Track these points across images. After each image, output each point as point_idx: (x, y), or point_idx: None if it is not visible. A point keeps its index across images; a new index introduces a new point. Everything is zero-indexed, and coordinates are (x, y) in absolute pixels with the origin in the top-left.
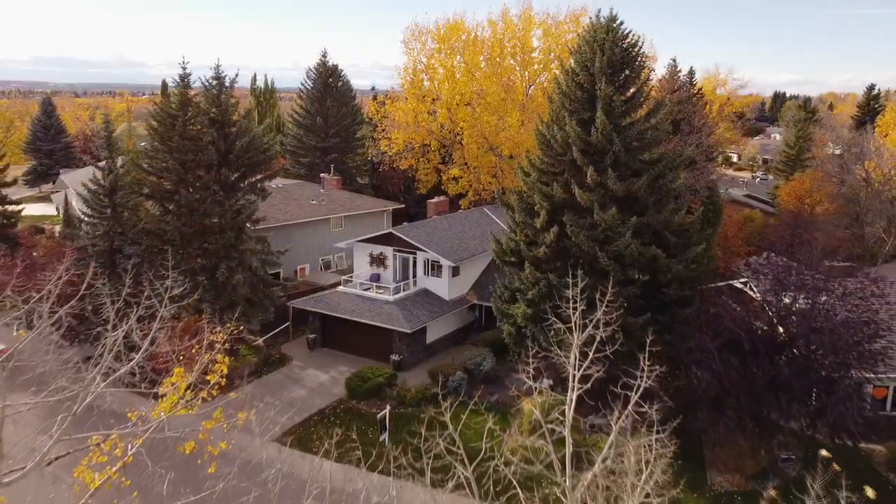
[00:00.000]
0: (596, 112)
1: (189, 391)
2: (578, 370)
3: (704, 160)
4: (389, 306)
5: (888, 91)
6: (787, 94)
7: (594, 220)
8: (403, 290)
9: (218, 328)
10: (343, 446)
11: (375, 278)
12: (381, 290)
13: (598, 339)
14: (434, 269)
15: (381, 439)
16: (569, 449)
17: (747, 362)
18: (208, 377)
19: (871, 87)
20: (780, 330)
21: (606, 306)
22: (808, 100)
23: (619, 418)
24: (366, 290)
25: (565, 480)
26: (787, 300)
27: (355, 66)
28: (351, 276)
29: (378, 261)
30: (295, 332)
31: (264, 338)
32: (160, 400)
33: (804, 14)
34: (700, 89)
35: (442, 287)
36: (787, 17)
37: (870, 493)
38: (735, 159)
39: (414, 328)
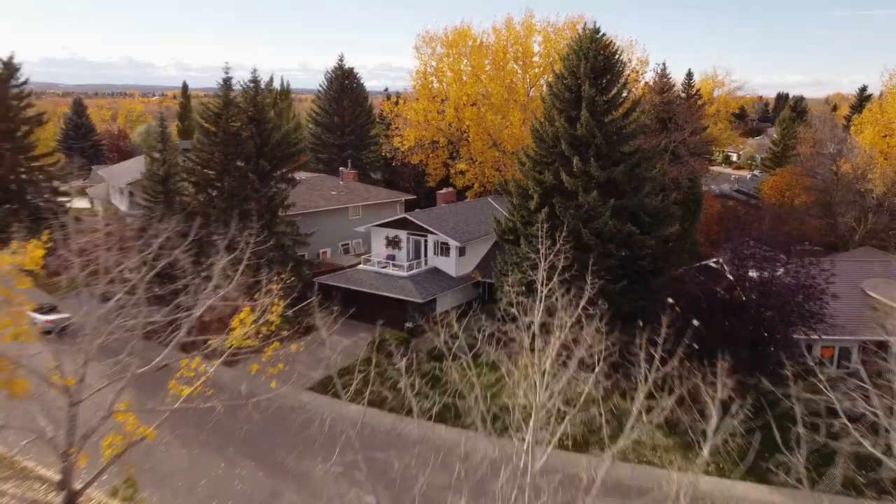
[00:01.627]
0: (581, 110)
1: (254, 325)
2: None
3: (688, 155)
4: (403, 281)
5: (882, 92)
6: (791, 96)
7: (579, 202)
8: (416, 268)
9: (274, 280)
10: (363, 394)
11: (391, 258)
12: (396, 268)
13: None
14: (443, 249)
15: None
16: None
17: (707, 321)
18: (269, 317)
19: (864, 89)
20: (738, 293)
21: (591, 275)
22: (800, 100)
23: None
24: (383, 268)
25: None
26: (752, 274)
27: (363, 68)
28: (370, 257)
29: (393, 243)
30: (319, 306)
31: (293, 309)
32: (231, 333)
33: (816, 16)
34: (697, 90)
35: (450, 265)
36: (799, 18)
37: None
38: (735, 158)
39: (425, 299)
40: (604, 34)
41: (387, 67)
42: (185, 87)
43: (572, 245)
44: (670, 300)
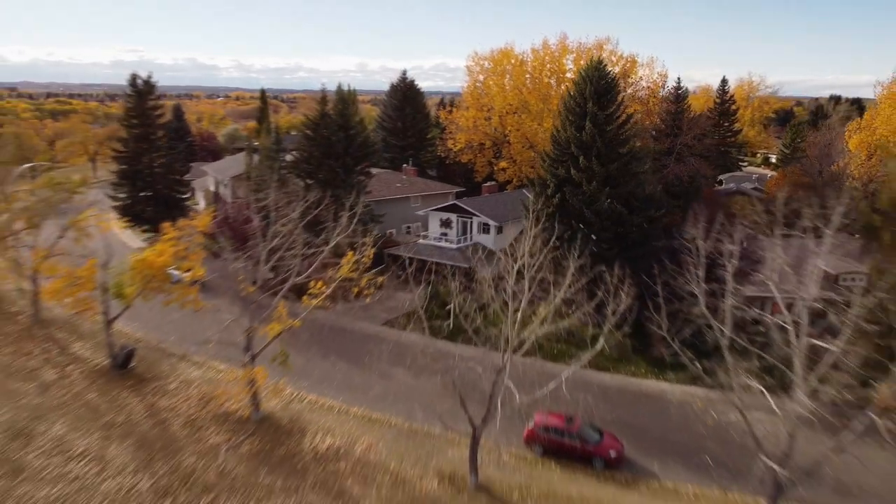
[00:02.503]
0: (586, 122)
1: (351, 271)
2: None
3: (690, 156)
4: (453, 251)
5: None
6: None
7: (583, 190)
8: (462, 243)
9: (361, 241)
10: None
11: (444, 235)
12: (448, 242)
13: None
14: (484, 228)
15: (445, 323)
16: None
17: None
18: (363, 260)
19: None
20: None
21: (593, 245)
22: (855, 101)
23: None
24: (437, 241)
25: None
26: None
27: (419, 68)
28: (427, 234)
29: (445, 223)
30: (388, 272)
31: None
32: (341, 269)
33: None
34: (731, 96)
35: (489, 241)
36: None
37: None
38: (773, 160)
39: (469, 266)
40: (605, 65)
41: (443, 68)
42: (262, 92)
43: (577, 221)
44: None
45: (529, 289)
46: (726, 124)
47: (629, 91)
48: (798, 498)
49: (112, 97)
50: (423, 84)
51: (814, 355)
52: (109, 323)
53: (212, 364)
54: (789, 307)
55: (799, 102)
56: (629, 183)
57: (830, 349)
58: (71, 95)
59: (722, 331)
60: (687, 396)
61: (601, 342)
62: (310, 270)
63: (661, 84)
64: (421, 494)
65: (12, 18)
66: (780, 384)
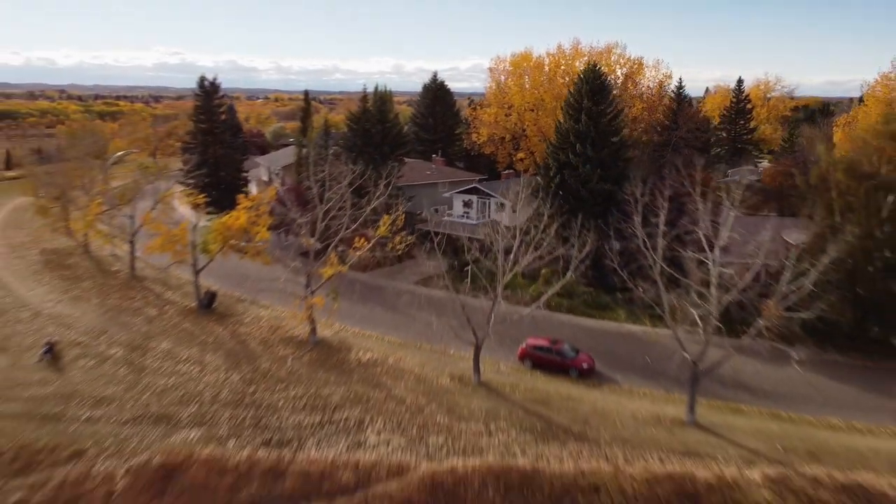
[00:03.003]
0: (582, 115)
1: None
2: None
3: (685, 147)
4: (473, 226)
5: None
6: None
7: (579, 172)
8: (481, 219)
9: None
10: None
11: (466, 213)
12: (469, 219)
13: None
14: (500, 207)
15: (464, 281)
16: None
17: None
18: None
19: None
20: None
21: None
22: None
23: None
24: (460, 218)
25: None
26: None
27: (455, 70)
28: (451, 213)
29: (467, 204)
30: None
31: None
32: (378, 230)
33: None
34: (747, 95)
35: (504, 218)
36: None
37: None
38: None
39: (483, 237)
40: (599, 68)
41: (479, 69)
42: (306, 93)
43: (574, 198)
44: None
45: (519, 245)
46: (742, 122)
47: (635, 90)
48: (710, 393)
49: (156, 98)
50: (460, 85)
51: (723, 282)
52: (197, 273)
53: (276, 307)
54: (711, 247)
55: (828, 102)
56: (619, 166)
57: (726, 273)
58: (118, 97)
59: (655, 261)
60: (651, 335)
61: (569, 274)
62: (355, 225)
63: (665, 83)
64: (437, 386)
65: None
66: (698, 303)
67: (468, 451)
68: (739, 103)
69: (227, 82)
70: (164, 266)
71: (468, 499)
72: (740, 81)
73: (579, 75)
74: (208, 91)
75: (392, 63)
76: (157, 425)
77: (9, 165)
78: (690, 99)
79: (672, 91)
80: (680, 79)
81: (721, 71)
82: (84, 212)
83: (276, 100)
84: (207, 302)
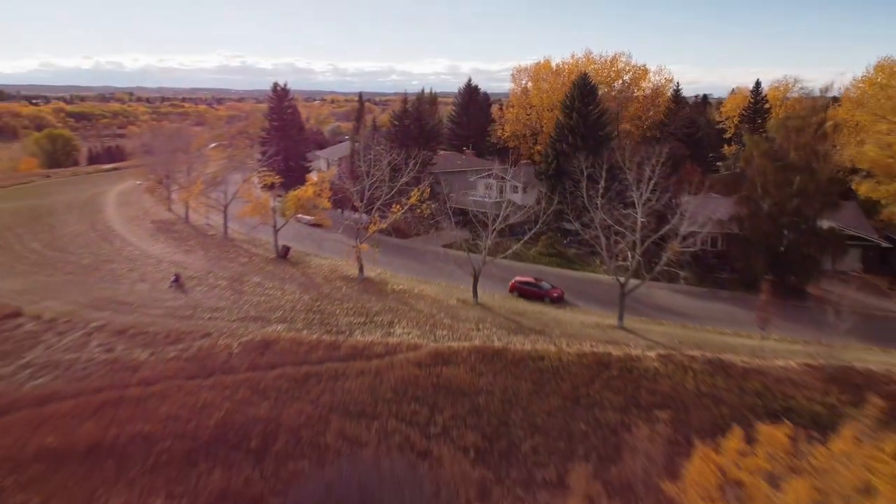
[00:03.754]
0: (574, 113)
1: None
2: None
3: (674, 140)
4: (491, 203)
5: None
6: None
7: (571, 158)
8: (498, 199)
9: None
10: (464, 247)
11: (487, 194)
12: (489, 198)
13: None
14: (514, 189)
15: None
16: None
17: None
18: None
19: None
20: None
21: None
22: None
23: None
24: (482, 198)
25: None
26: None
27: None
28: (475, 194)
29: (487, 186)
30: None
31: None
32: (410, 199)
33: None
34: (764, 96)
35: (518, 198)
36: None
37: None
38: None
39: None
40: (588, 77)
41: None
42: (360, 96)
43: (568, 179)
44: None
45: (505, 209)
46: (759, 121)
47: (637, 92)
48: (643, 314)
49: (219, 100)
50: (500, 86)
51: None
52: (276, 231)
53: (334, 258)
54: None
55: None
56: (602, 152)
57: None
58: (182, 99)
59: (593, 219)
60: (605, 279)
61: (533, 231)
62: (392, 192)
63: (666, 87)
64: (446, 304)
65: (130, 29)
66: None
67: (462, 338)
68: (757, 104)
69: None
70: (253, 226)
71: (458, 362)
72: (758, 84)
73: (573, 82)
74: (280, 95)
75: (447, 64)
76: (255, 322)
77: (91, 159)
78: (685, 100)
79: (671, 93)
80: (677, 82)
81: (758, 70)
82: (186, 190)
83: (333, 101)
84: (283, 253)
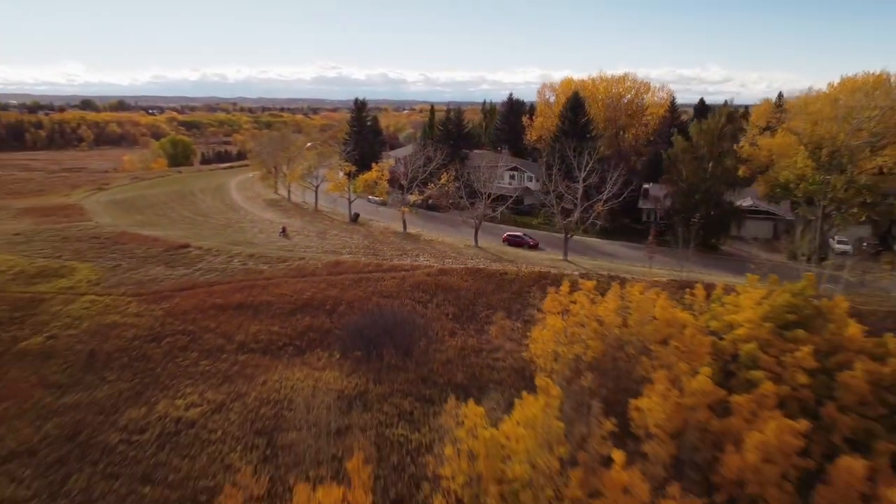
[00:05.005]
0: (566, 122)
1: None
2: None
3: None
4: (511, 189)
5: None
6: None
7: (567, 156)
8: (518, 185)
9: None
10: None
11: (511, 182)
12: (511, 185)
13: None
14: (529, 179)
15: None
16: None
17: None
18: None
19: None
20: None
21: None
22: None
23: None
24: (507, 185)
25: None
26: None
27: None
28: (501, 182)
29: (511, 176)
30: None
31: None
32: (440, 180)
33: None
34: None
35: (533, 185)
36: None
37: None
38: None
39: (519, 196)
40: (579, 94)
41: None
42: (432, 107)
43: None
44: None
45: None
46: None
47: (638, 103)
48: (586, 255)
49: (314, 110)
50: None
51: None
52: (350, 203)
53: (388, 223)
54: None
55: None
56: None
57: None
58: (281, 109)
59: (548, 200)
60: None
61: (510, 202)
62: (424, 175)
63: (667, 100)
64: (456, 247)
65: (235, 42)
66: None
67: (459, 264)
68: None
69: (377, 94)
70: (334, 200)
71: (453, 275)
72: (780, 95)
73: (568, 98)
74: (358, 107)
75: (538, 73)
76: (331, 254)
77: (204, 161)
78: (679, 110)
79: (668, 104)
80: (673, 96)
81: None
82: (288, 177)
83: (421, 111)
84: (354, 218)
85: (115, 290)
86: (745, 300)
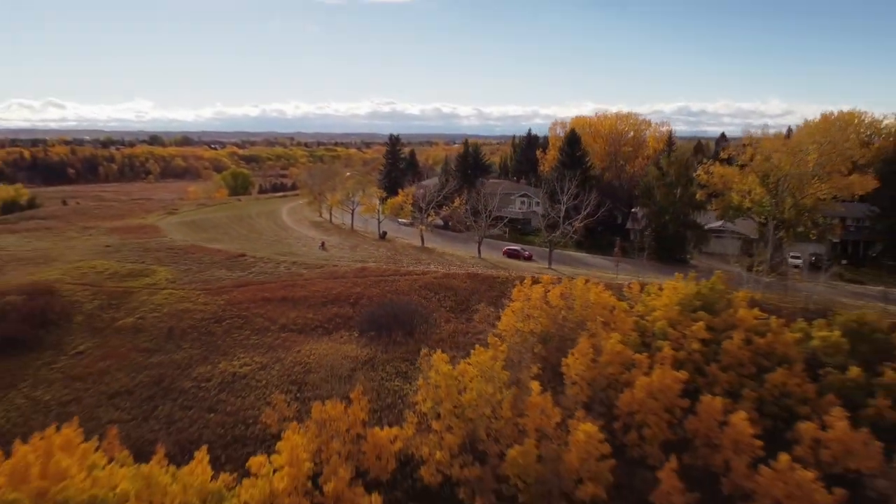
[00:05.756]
0: (565, 154)
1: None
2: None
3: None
4: (521, 213)
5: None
6: None
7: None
8: (527, 209)
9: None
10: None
11: (521, 207)
12: (521, 209)
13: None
14: (537, 203)
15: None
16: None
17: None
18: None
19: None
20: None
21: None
22: None
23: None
24: (517, 209)
25: None
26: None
27: (659, 113)
28: (513, 207)
29: (521, 202)
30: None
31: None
32: (453, 204)
33: None
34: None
35: (539, 209)
36: None
37: None
38: None
39: (526, 217)
40: (575, 131)
41: (685, 111)
42: (466, 141)
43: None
44: None
45: (495, 208)
46: None
47: (639, 138)
48: (568, 266)
49: (367, 144)
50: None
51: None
52: (379, 222)
53: (409, 239)
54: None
55: None
56: (590, 181)
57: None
58: (335, 143)
59: (536, 219)
60: (561, 249)
61: (504, 222)
62: (438, 198)
63: (667, 133)
64: (462, 258)
65: (294, 80)
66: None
67: (461, 270)
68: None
69: (430, 128)
70: (366, 221)
71: (454, 278)
72: (790, 130)
73: (565, 137)
74: (393, 142)
75: (593, 107)
76: (359, 262)
77: (261, 192)
78: (676, 143)
79: (666, 139)
80: (671, 131)
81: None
82: (329, 202)
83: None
84: (382, 236)
85: (188, 285)
86: (666, 292)
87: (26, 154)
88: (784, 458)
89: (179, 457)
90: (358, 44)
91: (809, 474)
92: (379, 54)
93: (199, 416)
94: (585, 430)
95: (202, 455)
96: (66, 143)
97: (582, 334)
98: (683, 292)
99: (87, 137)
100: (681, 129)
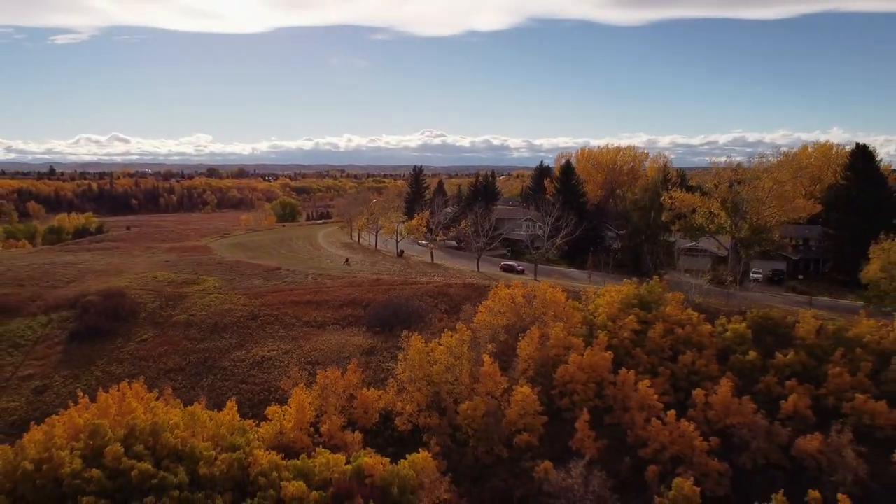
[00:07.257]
0: (561, 182)
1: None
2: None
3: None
4: (526, 235)
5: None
6: None
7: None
8: (531, 232)
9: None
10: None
11: (526, 230)
12: (526, 232)
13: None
14: (539, 227)
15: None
16: None
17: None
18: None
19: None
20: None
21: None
22: None
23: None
24: (524, 232)
25: None
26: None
27: (713, 143)
28: (518, 230)
29: (527, 225)
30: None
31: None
32: (461, 224)
33: None
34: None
35: (541, 232)
36: None
37: None
38: None
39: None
40: (570, 164)
41: (741, 142)
42: (492, 172)
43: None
44: None
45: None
46: None
47: (637, 169)
48: (549, 277)
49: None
50: (721, 159)
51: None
52: (397, 242)
53: (422, 256)
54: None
55: None
56: (581, 206)
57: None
58: (384, 175)
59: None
60: (549, 264)
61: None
62: (445, 221)
63: (664, 164)
64: (463, 272)
65: (345, 115)
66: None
67: (462, 280)
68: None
69: (480, 160)
70: (384, 242)
71: (453, 287)
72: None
73: (560, 168)
74: (417, 173)
75: (645, 139)
76: (375, 275)
77: (308, 219)
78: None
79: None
80: (665, 163)
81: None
82: (356, 225)
83: (518, 176)
84: (399, 254)
85: (231, 291)
86: (611, 292)
87: (94, 186)
88: (671, 413)
89: (217, 410)
90: (407, 77)
91: (690, 425)
92: (428, 88)
93: (234, 386)
94: (523, 391)
95: (232, 404)
96: (130, 175)
97: (536, 325)
98: (624, 293)
99: (150, 170)
100: (738, 160)
